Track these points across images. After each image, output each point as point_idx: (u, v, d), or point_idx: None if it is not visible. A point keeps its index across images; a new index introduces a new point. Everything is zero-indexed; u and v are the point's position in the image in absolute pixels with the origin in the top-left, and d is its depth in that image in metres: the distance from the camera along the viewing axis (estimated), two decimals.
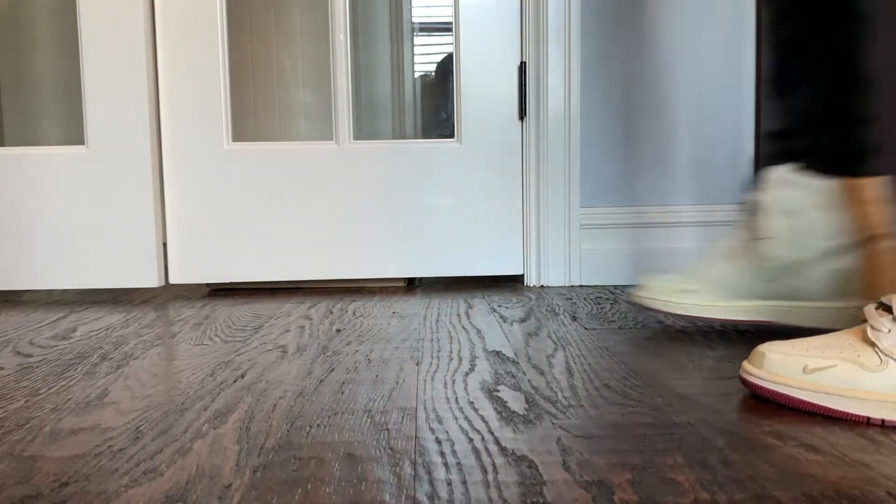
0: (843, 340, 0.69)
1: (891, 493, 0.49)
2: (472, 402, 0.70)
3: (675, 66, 1.42)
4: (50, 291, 1.49)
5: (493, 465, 0.55)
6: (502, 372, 0.81)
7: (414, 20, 1.61)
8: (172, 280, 1.41)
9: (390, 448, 0.59)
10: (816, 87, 0.88)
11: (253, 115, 1.56)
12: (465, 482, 0.52)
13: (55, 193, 1.37)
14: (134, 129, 1.36)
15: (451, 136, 1.45)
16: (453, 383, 0.77)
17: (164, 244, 1.41)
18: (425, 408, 0.69)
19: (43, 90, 1.54)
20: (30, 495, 0.51)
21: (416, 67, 1.62)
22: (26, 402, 0.73)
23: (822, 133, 0.88)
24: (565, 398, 0.71)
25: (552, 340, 0.96)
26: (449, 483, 0.52)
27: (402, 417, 0.66)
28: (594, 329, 1.02)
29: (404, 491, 0.51)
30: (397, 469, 0.55)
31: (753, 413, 0.66)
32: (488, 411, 0.68)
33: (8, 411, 0.70)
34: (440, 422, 0.65)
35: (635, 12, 1.42)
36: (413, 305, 1.25)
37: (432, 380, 0.79)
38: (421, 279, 1.56)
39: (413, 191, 1.41)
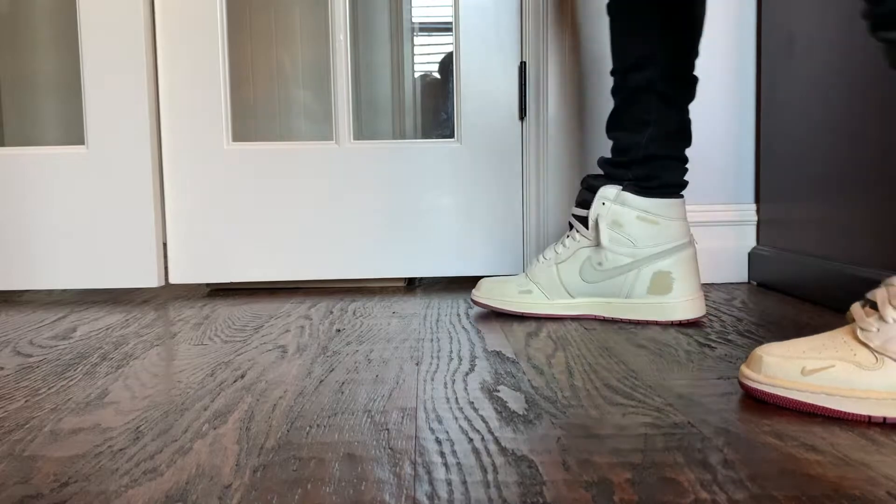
0: (838, 340, 0.69)
1: (891, 493, 0.49)
2: (472, 402, 0.70)
3: None
4: (50, 291, 1.49)
5: (493, 465, 0.55)
6: (502, 372, 0.81)
7: (414, 20, 1.61)
8: (172, 280, 1.41)
9: (390, 448, 0.59)
10: (652, 133, 1.07)
11: (253, 115, 1.56)
12: (465, 482, 0.52)
13: (55, 193, 1.37)
14: (134, 129, 1.36)
15: (451, 136, 1.45)
16: (453, 383, 0.77)
17: (164, 244, 1.41)
18: (425, 408, 0.69)
19: (43, 90, 1.54)
20: (30, 495, 0.51)
21: (416, 67, 1.62)
22: (26, 402, 0.73)
23: (650, 168, 1.07)
24: (565, 398, 0.71)
25: (552, 340, 0.96)
26: (449, 483, 0.52)
27: (402, 417, 0.66)
28: (594, 329, 1.02)
29: (404, 491, 0.51)
30: (397, 469, 0.55)
31: (753, 413, 0.66)
32: (488, 411, 0.68)
33: (8, 411, 0.70)
34: (440, 422, 0.65)
35: None
36: (413, 305, 1.25)
37: (432, 380, 0.79)
38: (421, 279, 1.56)
39: (413, 191, 1.41)
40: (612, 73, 1.11)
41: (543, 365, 0.84)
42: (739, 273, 1.43)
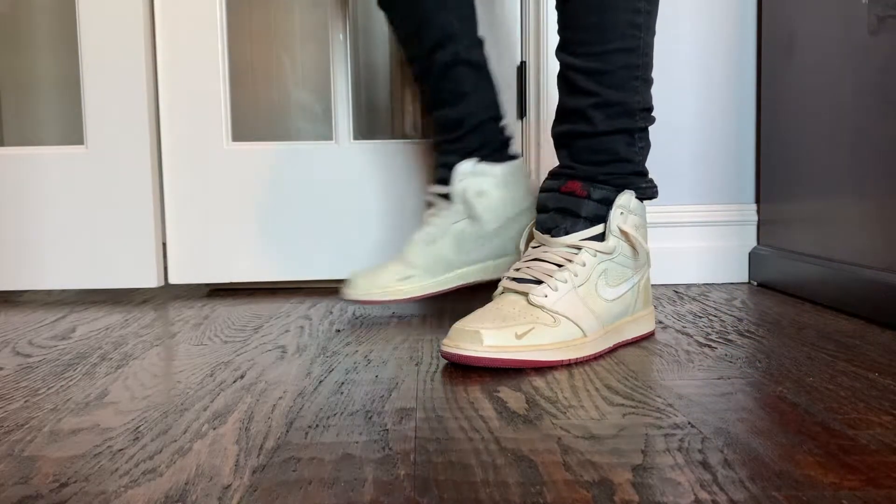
0: (513, 310, 0.84)
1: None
2: (472, 403, 0.70)
3: (676, 65, 1.42)
4: (50, 291, 1.49)
5: (494, 465, 0.55)
6: (502, 372, 0.81)
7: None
8: (172, 280, 1.41)
9: (390, 448, 0.59)
10: (474, 100, 1.14)
11: (253, 115, 1.56)
12: (465, 482, 0.52)
13: (55, 193, 1.37)
14: (134, 129, 1.36)
15: None
16: (453, 384, 0.77)
17: (164, 244, 1.41)
18: (425, 408, 0.69)
19: (43, 90, 1.54)
20: (29, 496, 0.51)
21: None
22: (26, 402, 0.73)
23: (483, 134, 1.15)
24: (565, 398, 0.71)
25: None
26: (449, 483, 0.52)
27: (402, 418, 0.66)
28: None
29: (404, 491, 0.51)
30: (397, 469, 0.55)
31: (753, 413, 0.66)
32: (488, 411, 0.68)
33: (7, 411, 0.70)
34: (440, 422, 0.65)
35: None
36: (413, 305, 1.25)
37: (432, 380, 0.78)
38: None
39: (413, 190, 1.41)
40: (410, 60, 1.16)
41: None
42: (739, 273, 1.43)
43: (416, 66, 1.16)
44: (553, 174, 0.96)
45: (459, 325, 0.83)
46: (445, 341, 0.83)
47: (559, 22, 0.95)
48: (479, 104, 1.14)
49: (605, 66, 0.91)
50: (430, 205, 1.16)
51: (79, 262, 1.37)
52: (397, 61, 1.56)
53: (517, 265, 0.91)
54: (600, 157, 0.93)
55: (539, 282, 0.87)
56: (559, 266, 0.88)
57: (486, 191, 1.13)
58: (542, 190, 0.95)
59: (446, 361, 0.86)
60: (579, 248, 0.89)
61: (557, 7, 0.94)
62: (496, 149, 1.15)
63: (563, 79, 0.95)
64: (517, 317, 0.83)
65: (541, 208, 0.94)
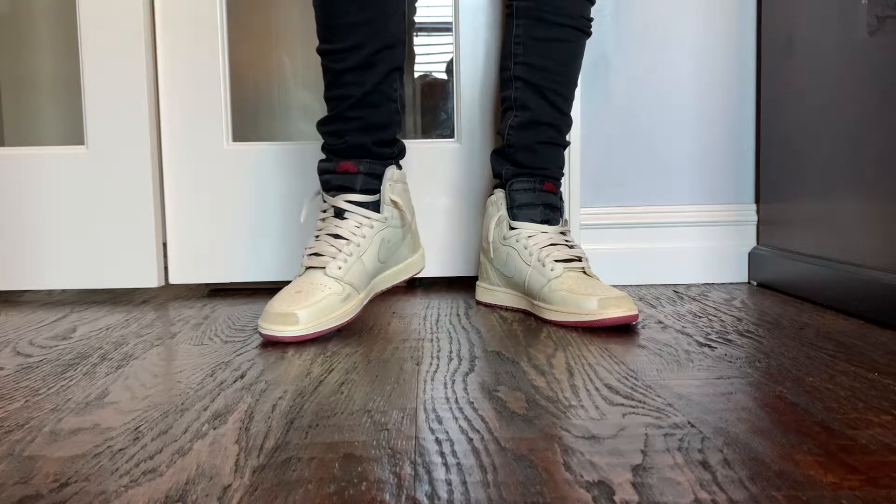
0: (596, 280, 1.09)
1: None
2: (472, 403, 0.70)
3: (676, 65, 1.42)
4: (50, 291, 1.49)
5: (493, 465, 0.55)
6: (502, 372, 0.81)
7: (414, 20, 1.60)
8: (172, 280, 1.41)
9: (390, 448, 0.59)
10: (399, 108, 1.12)
11: (253, 115, 1.55)
12: (465, 482, 0.52)
13: (55, 193, 1.37)
14: (134, 129, 1.36)
15: (451, 136, 1.45)
16: (453, 383, 0.77)
17: (164, 244, 1.41)
18: (425, 408, 0.69)
19: (43, 90, 1.54)
20: (29, 495, 0.51)
21: (417, 67, 1.61)
22: (26, 402, 0.73)
23: (399, 142, 1.15)
24: (565, 398, 0.71)
25: (552, 340, 0.96)
26: (449, 483, 0.52)
27: (402, 417, 0.66)
28: (594, 329, 1.02)
29: (404, 491, 0.51)
30: (397, 469, 0.55)
31: (752, 413, 0.66)
32: (488, 411, 0.68)
33: (8, 411, 0.70)
34: (440, 422, 0.65)
35: (635, 12, 1.41)
36: (413, 305, 1.25)
37: (432, 380, 0.79)
38: (421, 279, 1.56)
39: (413, 191, 1.41)
40: (343, 50, 1.05)
41: (543, 365, 0.84)
42: (739, 273, 1.43)
43: (349, 57, 1.05)
44: (524, 174, 1.18)
45: (608, 294, 1.03)
46: (602, 311, 1.01)
47: (531, 51, 1.16)
48: (399, 112, 1.11)
49: (571, 93, 1.20)
50: (340, 214, 1.05)
51: (79, 262, 1.37)
52: None
53: (545, 251, 1.12)
54: (560, 162, 1.21)
55: (578, 258, 1.13)
56: (573, 247, 1.15)
57: (402, 194, 1.12)
58: (523, 188, 1.17)
59: (447, 360, 0.86)
60: (565, 233, 1.17)
61: (532, 42, 1.16)
62: (401, 156, 1.16)
63: (538, 95, 1.17)
64: (605, 285, 1.08)
65: (527, 203, 1.17)
